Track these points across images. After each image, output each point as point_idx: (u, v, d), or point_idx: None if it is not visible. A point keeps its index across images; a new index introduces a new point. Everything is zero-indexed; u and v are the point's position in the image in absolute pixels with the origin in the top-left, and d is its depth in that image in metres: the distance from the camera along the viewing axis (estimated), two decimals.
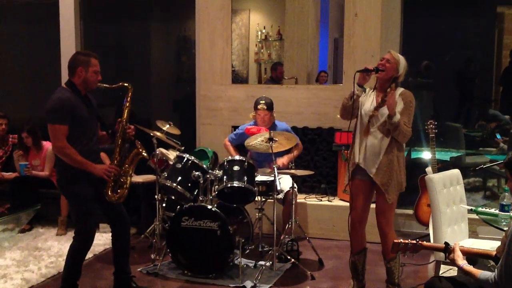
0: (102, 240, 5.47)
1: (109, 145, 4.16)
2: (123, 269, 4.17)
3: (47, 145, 6.06)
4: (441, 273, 4.05)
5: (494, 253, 2.91)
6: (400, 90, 3.91)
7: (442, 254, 3.08)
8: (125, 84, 4.00)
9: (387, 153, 3.85)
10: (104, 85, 3.93)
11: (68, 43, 6.90)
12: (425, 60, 6.82)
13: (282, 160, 5.12)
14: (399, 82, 3.92)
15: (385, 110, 3.80)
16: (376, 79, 3.95)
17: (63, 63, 6.93)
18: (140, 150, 3.94)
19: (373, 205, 4.08)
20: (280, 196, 4.96)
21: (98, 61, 3.86)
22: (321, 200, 5.86)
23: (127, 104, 3.98)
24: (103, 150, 4.14)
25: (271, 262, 4.62)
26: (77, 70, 3.78)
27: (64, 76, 6.82)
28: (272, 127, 5.27)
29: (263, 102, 5.22)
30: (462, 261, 2.82)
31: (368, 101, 3.92)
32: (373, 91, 3.97)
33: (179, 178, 4.64)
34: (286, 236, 4.87)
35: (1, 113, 6.29)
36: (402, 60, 3.89)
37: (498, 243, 2.91)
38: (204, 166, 4.75)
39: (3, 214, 5.48)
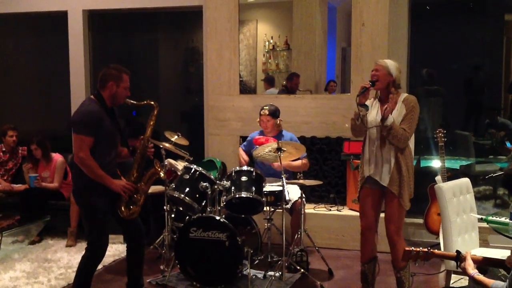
0: (112, 251, 5.47)
1: (124, 160, 4.16)
2: (136, 281, 4.18)
3: (56, 156, 6.09)
4: (452, 283, 4.03)
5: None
6: (404, 95, 3.92)
7: (453, 263, 3.05)
8: (151, 102, 4.03)
9: (396, 160, 3.86)
10: (132, 101, 3.96)
11: (77, 55, 6.95)
12: (434, 68, 6.80)
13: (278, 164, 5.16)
14: (398, 84, 3.90)
15: (391, 120, 3.80)
16: (376, 91, 3.96)
17: (71, 75, 6.99)
18: (158, 170, 3.96)
19: (382, 214, 4.07)
20: (288, 206, 4.95)
21: (129, 77, 3.89)
22: (330, 210, 5.84)
23: (152, 122, 4.01)
24: (118, 164, 4.15)
25: (280, 273, 4.60)
26: (108, 84, 3.81)
27: (74, 87, 6.92)
28: (278, 135, 5.27)
29: (267, 108, 5.26)
30: (473, 270, 2.79)
31: (372, 112, 3.92)
32: (376, 102, 3.97)
33: (187, 189, 4.63)
34: (295, 247, 4.86)
35: (12, 125, 6.34)
36: (390, 63, 3.89)
37: (509, 252, 2.88)
38: (212, 176, 4.75)
39: (13, 226, 5.49)
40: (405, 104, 3.86)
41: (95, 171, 3.73)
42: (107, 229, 3.95)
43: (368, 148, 3.97)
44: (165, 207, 5.02)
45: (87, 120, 3.73)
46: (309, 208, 5.77)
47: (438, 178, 5.06)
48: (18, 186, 6.16)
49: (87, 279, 3.96)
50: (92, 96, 3.87)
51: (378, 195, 3.99)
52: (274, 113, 5.26)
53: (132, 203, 3.90)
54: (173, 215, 5.11)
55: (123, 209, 3.87)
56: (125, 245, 4.19)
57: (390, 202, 3.92)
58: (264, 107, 5.28)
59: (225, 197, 4.60)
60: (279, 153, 4.59)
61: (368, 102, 3.91)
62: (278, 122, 5.28)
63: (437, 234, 5.14)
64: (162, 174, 4.02)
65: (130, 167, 3.99)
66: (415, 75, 6.51)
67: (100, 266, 5.00)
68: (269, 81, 6.93)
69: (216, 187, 4.62)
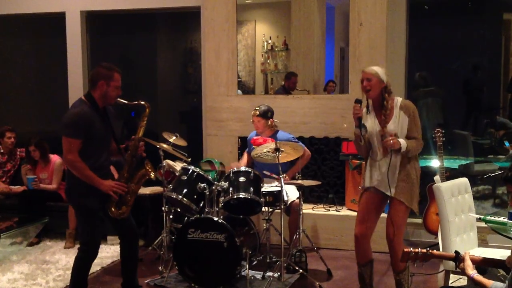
0: (110, 252, 5.47)
1: (118, 159, 4.15)
2: (131, 281, 4.18)
3: (55, 158, 6.08)
4: (451, 283, 4.02)
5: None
6: (398, 100, 3.86)
7: (451, 264, 3.05)
8: (142, 103, 3.99)
9: (403, 167, 3.83)
10: (123, 100, 3.94)
11: (75, 56, 6.95)
12: (432, 68, 6.79)
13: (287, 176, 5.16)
14: (389, 89, 3.83)
15: (391, 127, 3.78)
16: (368, 100, 3.89)
17: (70, 76, 6.98)
18: (149, 171, 3.94)
19: (383, 215, 4.06)
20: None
21: (121, 76, 3.86)
22: (329, 210, 5.83)
23: (143, 123, 3.98)
24: (112, 163, 4.14)
25: (279, 273, 4.59)
26: (99, 83, 3.77)
27: (72, 89, 6.91)
28: (273, 136, 5.26)
29: (258, 108, 5.27)
30: (472, 271, 2.78)
31: (369, 122, 3.88)
32: (368, 113, 3.91)
33: (185, 190, 4.62)
34: (294, 247, 4.84)
35: (10, 127, 6.33)
36: (378, 69, 3.82)
37: (509, 252, 2.86)
38: (210, 177, 4.73)
39: (11, 228, 5.47)
40: (404, 110, 3.80)
41: (83, 173, 3.72)
42: (99, 229, 3.95)
43: (371, 158, 3.95)
44: (163, 208, 5.01)
45: (74, 123, 3.70)
46: (308, 208, 5.76)
47: (437, 177, 5.06)
48: (16, 188, 6.15)
49: (82, 279, 3.96)
50: (82, 97, 3.84)
51: (382, 199, 3.97)
52: (265, 113, 5.24)
53: (122, 203, 3.89)
54: (171, 216, 5.10)
55: (113, 209, 3.86)
56: None
57: (395, 208, 3.87)
58: (256, 108, 5.29)
59: (223, 198, 4.60)
60: (277, 153, 4.58)
61: (363, 111, 3.88)
62: (270, 122, 5.27)
63: (436, 234, 5.13)
64: (152, 175, 3.99)
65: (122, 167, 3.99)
66: (414, 75, 6.50)
67: (98, 268, 5.02)
68: None
69: (214, 188, 4.61)
